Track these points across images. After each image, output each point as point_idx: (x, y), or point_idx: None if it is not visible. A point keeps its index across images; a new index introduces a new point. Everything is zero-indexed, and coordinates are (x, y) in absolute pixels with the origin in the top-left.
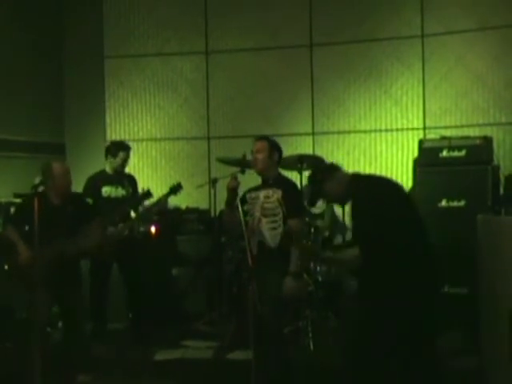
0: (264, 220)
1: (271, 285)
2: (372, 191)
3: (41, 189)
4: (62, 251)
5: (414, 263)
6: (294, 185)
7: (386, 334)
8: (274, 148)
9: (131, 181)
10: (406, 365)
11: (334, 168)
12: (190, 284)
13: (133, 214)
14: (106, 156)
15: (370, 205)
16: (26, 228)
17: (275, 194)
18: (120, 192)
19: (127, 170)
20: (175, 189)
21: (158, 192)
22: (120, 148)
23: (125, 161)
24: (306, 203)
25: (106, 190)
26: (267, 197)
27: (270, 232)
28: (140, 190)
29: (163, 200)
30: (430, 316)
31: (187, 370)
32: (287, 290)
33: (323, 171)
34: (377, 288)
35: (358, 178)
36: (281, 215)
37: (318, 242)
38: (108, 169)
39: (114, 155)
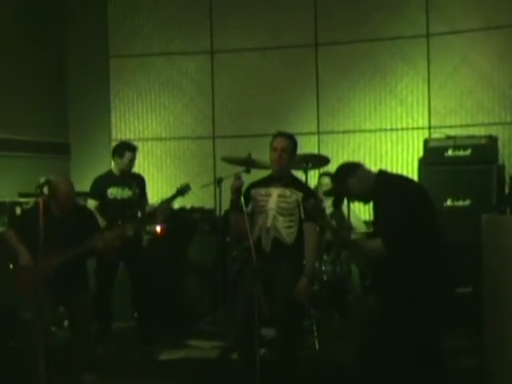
0: (280, 218)
1: (287, 282)
2: (399, 189)
3: (46, 189)
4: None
5: (432, 263)
6: (312, 190)
7: (399, 329)
8: (295, 149)
9: (139, 181)
10: (417, 362)
11: (356, 166)
12: (192, 285)
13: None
14: (113, 156)
15: (396, 202)
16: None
17: (294, 195)
18: (126, 193)
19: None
20: (183, 190)
21: (162, 191)
22: (126, 148)
23: (131, 161)
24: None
25: (112, 192)
26: (283, 196)
27: (287, 230)
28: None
29: (171, 201)
30: (442, 315)
31: (192, 370)
32: (301, 292)
33: (345, 170)
34: (393, 284)
35: (385, 175)
36: (297, 215)
37: (323, 241)
38: (115, 169)
39: (121, 156)
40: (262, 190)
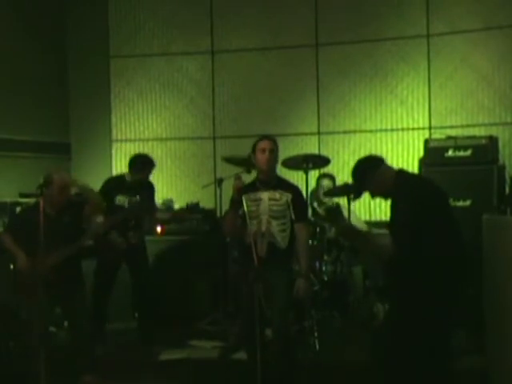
0: (274, 222)
1: (283, 285)
2: (415, 190)
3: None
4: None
5: (446, 263)
6: (300, 189)
7: (409, 329)
8: (278, 152)
9: (148, 189)
10: (425, 361)
11: (379, 161)
12: (193, 285)
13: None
14: (130, 168)
15: (411, 204)
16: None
17: (284, 197)
18: (134, 200)
19: None
20: (192, 208)
21: (163, 191)
22: (146, 166)
23: (147, 177)
24: (352, 197)
25: (120, 199)
26: (274, 199)
27: (281, 234)
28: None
29: (179, 216)
30: (451, 315)
31: (193, 370)
32: (301, 292)
33: (368, 165)
34: (403, 284)
35: (403, 175)
36: (289, 217)
37: (323, 242)
38: (128, 177)
39: (138, 171)
40: (252, 195)
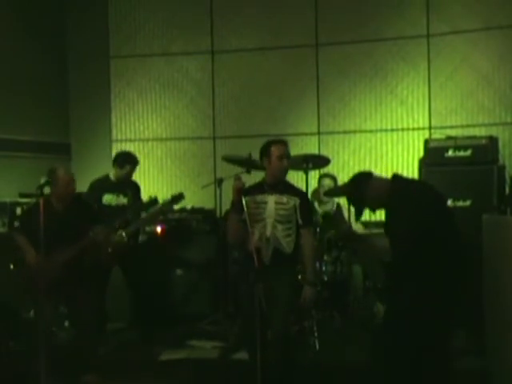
0: (280, 226)
1: (285, 286)
2: (414, 195)
3: (46, 190)
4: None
5: (443, 265)
6: (306, 194)
7: (409, 329)
8: None
9: (134, 188)
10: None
11: (368, 174)
12: (193, 286)
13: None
14: (113, 164)
15: (412, 209)
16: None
17: (291, 201)
18: (121, 200)
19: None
20: (177, 198)
21: (163, 191)
22: (127, 161)
23: (130, 174)
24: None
25: (107, 199)
26: (281, 203)
27: (286, 238)
28: (147, 197)
29: (165, 208)
30: (452, 315)
31: (193, 370)
32: (308, 300)
33: (358, 180)
34: (404, 285)
35: (399, 179)
36: (295, 222)
37: (323, 242)
38: (112, 176)
39: (120, 167)
40: (257, 198)
